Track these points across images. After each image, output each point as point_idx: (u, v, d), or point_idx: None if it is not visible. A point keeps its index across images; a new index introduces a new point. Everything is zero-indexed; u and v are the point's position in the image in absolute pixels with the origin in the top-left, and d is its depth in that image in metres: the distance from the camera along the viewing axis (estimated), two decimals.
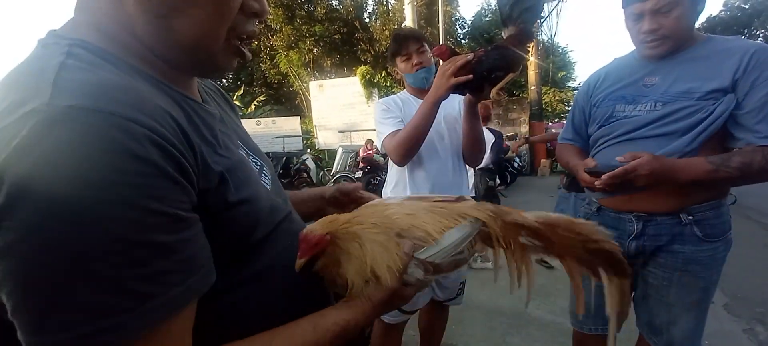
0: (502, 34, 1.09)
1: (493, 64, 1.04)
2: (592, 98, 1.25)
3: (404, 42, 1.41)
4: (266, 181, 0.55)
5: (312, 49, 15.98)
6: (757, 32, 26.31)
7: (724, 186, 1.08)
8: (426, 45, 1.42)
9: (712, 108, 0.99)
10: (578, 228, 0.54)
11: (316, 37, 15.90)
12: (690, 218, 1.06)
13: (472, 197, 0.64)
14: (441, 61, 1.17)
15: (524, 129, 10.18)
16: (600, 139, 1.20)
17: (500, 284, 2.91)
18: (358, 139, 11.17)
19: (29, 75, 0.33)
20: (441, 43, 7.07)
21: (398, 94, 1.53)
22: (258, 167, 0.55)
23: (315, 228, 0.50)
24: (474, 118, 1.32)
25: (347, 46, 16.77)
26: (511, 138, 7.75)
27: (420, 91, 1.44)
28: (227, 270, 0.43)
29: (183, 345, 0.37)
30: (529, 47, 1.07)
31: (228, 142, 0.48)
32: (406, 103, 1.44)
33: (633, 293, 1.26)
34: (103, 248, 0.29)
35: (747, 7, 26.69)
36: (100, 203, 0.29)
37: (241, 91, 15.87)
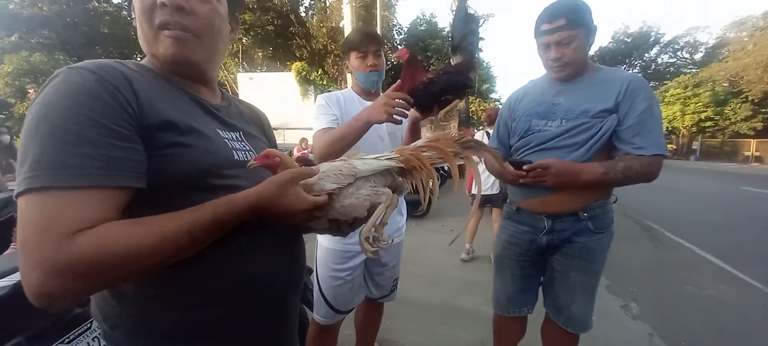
0: (451, 60, 1.14)
1: (444, 87, 1.08)
2: (513, 114, 1.45)
3: (364, 39, 1.40)
4: (242, 156, 0.66)
5: (241, 38, 14.97)
6: (636, 61, 32.51)
7: (609, 187, 1.33)
8: (382, 51, 1.43)
9: (601, 125, 1.22)
10: (451, 135, 0.78)
11: (247, 26, 14.95)
12: (585, 215, 1.29)
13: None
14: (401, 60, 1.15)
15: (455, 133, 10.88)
16: (519, 149, 1.39)
17: (430, 280, 3.12)
18: (292, 138, 10.69)
19: None
20: None
21: (343, 90, 1.50)
22: (243, 151, 0.67)
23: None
24: (416, 134, 1.35)
25: (281, 39, 16.06)
26: None
27: (367, 93, 1.46)
28: (193, 198, 0.55)
29: (95, 213, 0.48)
30: (474, 76, 1.17)
31: (211, 121, 0.66)
32: (348, 102, 1.42)
33: (542, 278, 1.48)
34: (56, 127, 0.48)
35: (629, 40, 32.80)
36: (59, 106, 0.49)
37: None
